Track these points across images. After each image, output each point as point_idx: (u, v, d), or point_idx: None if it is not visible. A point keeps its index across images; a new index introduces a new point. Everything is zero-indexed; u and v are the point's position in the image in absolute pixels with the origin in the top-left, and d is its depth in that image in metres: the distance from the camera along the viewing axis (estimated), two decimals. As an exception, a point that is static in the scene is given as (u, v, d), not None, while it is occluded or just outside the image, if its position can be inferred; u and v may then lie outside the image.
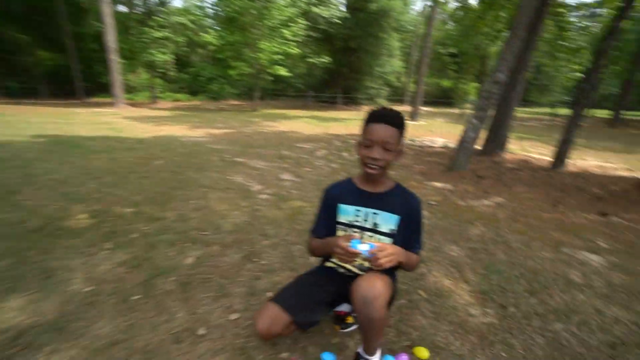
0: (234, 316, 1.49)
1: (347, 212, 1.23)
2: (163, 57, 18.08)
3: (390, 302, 1.19)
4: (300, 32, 16.83)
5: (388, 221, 1.20)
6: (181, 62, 26.85)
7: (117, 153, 5.14)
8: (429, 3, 14.73)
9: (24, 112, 11.64)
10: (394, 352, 1.32)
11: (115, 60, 15.11)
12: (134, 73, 22.56)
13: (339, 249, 1.02)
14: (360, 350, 1.18)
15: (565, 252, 2.34)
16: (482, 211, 3.17)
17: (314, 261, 1.58)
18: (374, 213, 1.20)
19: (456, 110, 22.90)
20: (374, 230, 1.21)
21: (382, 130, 1.07)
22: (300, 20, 16.44)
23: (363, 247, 1.00)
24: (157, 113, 13.93)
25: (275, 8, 15.17)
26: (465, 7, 7.82)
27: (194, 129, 8.74)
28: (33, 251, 2.00)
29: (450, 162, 4.91)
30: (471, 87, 32.52)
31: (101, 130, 7.79)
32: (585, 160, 6.63)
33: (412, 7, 25.78)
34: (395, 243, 1.21)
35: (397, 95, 30.40)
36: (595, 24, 9.60)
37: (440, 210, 3.10)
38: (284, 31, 16.00)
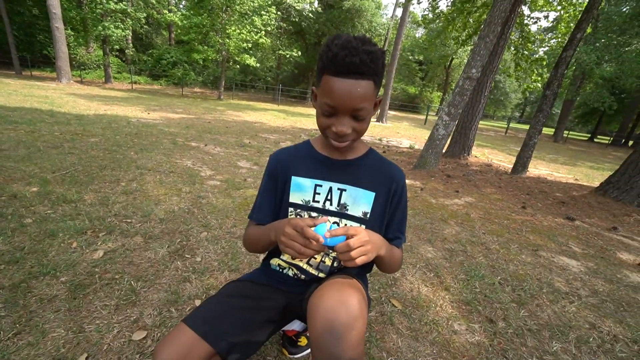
0: (139, 335, 1.04)
1: (302, 188, 0.83)
2: (120, 32, 16.37)
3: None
4: (271, 22, 16.19)
5: (360, 200, 0.82)
6: (142, 43, 24.83)
7: (41, 126, 4.30)
8: (399, 10, 14.85)
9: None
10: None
11: (60, 30, 13.39)
12: (85, 48, 20.33)
13: (289, 232, 0.63)
14: None
15: (544, 256, 2.16)
16: (454, 210, 2.96)
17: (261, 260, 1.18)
18: (341, 189, 0.82)
19: (421, 116, 23.61)
20: (342, 214, 0.82)
21: (350, 90, 0.65)
22: (271, 10, 15.80)
23: (324, 230, 0.62)
24: (109, 93, 12.57)
25: None
26: (434, 8, 7.82)
27: (148, 112, 7.85)
28: None
29: (420, 159, 4.74)
30: (435, 96, 33.95)
31: (31, 102, 6.67)
32: (538, 169, 6.89)
33: (384, 12, 26.16)
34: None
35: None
36: (552, 40, 10.27)
37: (412, 207, 2.84)
38: (255, 18, 15.28)
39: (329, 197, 0.81)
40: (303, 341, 1.05)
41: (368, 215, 0.82)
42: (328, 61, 0.64)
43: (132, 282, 1.31)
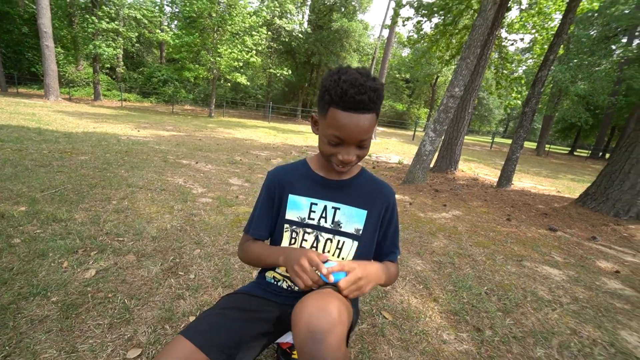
0: (133, 353, 1.05)
1: (298, 206, 0.88)
2: (111, 51, 16.48)
3: (350, 330, 0.85)
4: (262, 42, 16.62)
5: (353, 218, 0.88)
6: (133, 61, 24.96)
7: (28, 144, 4.26)
8: (385, 32, 15.49)
9: None
10: (355, 398, 0.99)
11: (50, 48, 13.40)
12: (75, 66, 20.31)
13: (305, 265, 0.70)
14: None
15: (528, 266, 2.24)
16: (442, 223, 3.04)
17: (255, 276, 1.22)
18: (335, 207, 0.88)
19: (409, 132, 24.15)
20: (336, 230, 0.88)
21: (358, 124, 0.71)
22: (262, 30, 16.25)
23: (330, 274, 0.69)
24: (99, 110, 12.51)
25: (238, 14, 14.82)
26: (419, 30, 8.22)
27: (138, 129, 7.85)
28: None
29: (408, 175, 4.86)
30: (422, 112, 34.90)
31: (17, 120, 6.60)
32: (522, 182, 7.12)
33: (371, 32, 27.21)
34: (360, 246, 0.90)
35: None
36: (530, 60, 10.88)
37: (401, 222, 2.91)
38: (246, 38, 15.65)
39: (323, 215, 0.87)
40: (297, 354, 1.08)
41: (360, 232, 0.88)
42: (337, 97, 0.69)
43: (125, 300, 1.32)
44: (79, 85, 20.58)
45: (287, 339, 0.99)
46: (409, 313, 1.48)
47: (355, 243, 0.88)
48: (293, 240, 0.89)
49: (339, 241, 0.88)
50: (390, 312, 1.48)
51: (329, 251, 0.88)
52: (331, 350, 0.62)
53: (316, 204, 0.87)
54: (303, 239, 0.88)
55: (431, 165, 6.80)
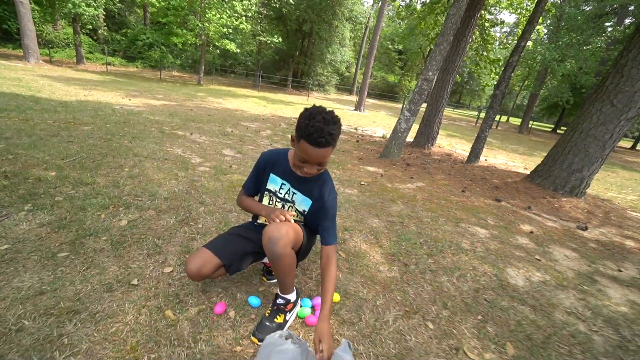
0: (168, 269, 1.59)
1: (275, 182, 1.40)
2: (92, 11, 15.74)
3: (301, 249, 1.37)
4: (252, 8, 16.13)
5: (302, 202, 1.39)
6: (115, 21, 23.74)
7: (32, 114, 4.55)
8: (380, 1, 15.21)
9: None
10: (311, 297, 1.56)
11: (25, 5, 12.78)
12: (52, 25, 19.30)
13: (280, 216, 1.23)
14: (278, 291, 1.39)
15: (462, 226, 2.86)
16: (404, 192, 3.62)
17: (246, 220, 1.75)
18: (294, 192, 1.38)
19: (399, 105, 24.36)
20: (291, 204, 1.41)
21: (320, 153, 1.10)
22: (253, -5, 15.75)
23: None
24: (84, 76, 12.32)
25: None
26: (409, 7, 8.38)
27: (129, 98, 8.01)
28: None
29: (384, 150, 5.39)
30: (414, 84, 34.76)
31: (7, 86, 6.70)
32: (496, 158, 7.77)
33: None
34: (306, 221, 1.44)
35: (346, 84, 31.15)
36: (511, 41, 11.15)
37: (369, 190, 3.47)
38: (235, 3, 15.18)
39: (287, 192, 1.40)
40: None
41: (305, 213, 1.41)
42: (306, 136, 1.07)
43: (154, 240, 1.84)
44: (58, 47, 19.68)
45: (267, 260, 1.55)
46: (358, 253, 2.07)
47: (302, 217, 1.44)
48: (270, 202, 1.43)
49: (294, 209, 1.42)
50: (344, 252, 2.06)
51: (287, 210, 1.41)
52: (280, 247, 1.17)
53: (284, 185, 1.39)
54: (275, 203, 1.43)
55: (410, 140, 7.34)
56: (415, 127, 7.50)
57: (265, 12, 19.43)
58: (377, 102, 26.24)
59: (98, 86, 9.49)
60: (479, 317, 1.61)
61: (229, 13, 15.19)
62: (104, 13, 19.60)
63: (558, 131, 26.48)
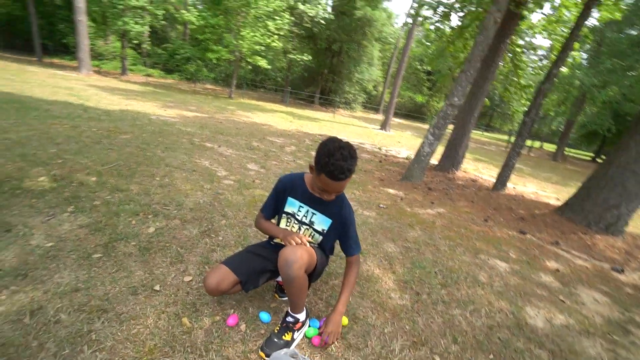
0: (187, 278, 1.69)
1: (293, 205, 1.48)
2: (138, 27, 17.17)
3: (315, 271, 1.45)
4: (285, 27, 16.89)
5: (322, 222, 1.47)
6: (158, 36, 25.61)
7: (80, 121, 4.99)
8: (409, 20, 15.46)
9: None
10: (319, 318, 1.60)
11: (83, 23, 14.16)
12: (103, 40, 21.18)
13: (296, 239, 1.31)
14: (288, 309, 1.44)
15: (482, 258, 2.79)
16: (423, 218, 3.59)
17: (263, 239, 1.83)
18: (313, 213, 1.46)
19: (426, 126, 24.12)
20: (310, 226, 1.48)
21: (337, 186, 1.23)
22: (285, 15, 16.50)
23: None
24: (127, 86, 13.31)
25: None
26: (438, 30, 8.45)
27: (165, 109, 8.55)
28: (-10, 206, 2.03)
29: (407, 172, 5.36)
30: (442, 105, 34.36)
31: (61, 95, 7.39)
32: (526, 186, 7.47)
33: (395, 20, 26.78)
34: (323, 241, 1.51)
35: (372, 103, 31.38)
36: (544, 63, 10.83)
37: (388, 213, 3.47)
38: (269, 23, 15.97)
39: (305, 215, 1.47)
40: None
41: (325, 232, 1.48)
42: (327, 172, 1.19)
43: (178, 248, 1.96)
44: (106, 59, 21.50)
45: (280, 279, 1.61)
46: (370, 278, 2.08)
47: (320, 237, 1.50)
48: (287, 224, 1.51)
49: (311, 231, 1.48)
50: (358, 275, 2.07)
51: (303, 234, 1.49)
52: (294, 270, 1.24)
53: (302, 207, 1.47)
54: (292, 225, 1.50)
55: (435, 163, 7.25)
56: (440, 149, 7.41)
57: (297, 30, 20.22)
58: (404, 122, 26.16)
59: (138, 96, 10.22)
60: (491, 356, 1.57)
61: (263, 31, 15.97)
62: (149, 29, 21.26)
63: (598, 160, 24.97)
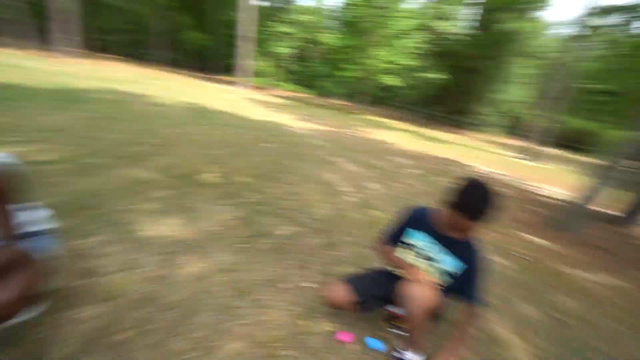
0: (306, 284, 1.87)
1: (416, 237, 1.44)
2: (284, 50, 20.37)
3: (436, 314, 1.38)
4: (420, 45, 16.65)
5: (451, 264, 1.37)
6: (300, 56, 29.51)
7: (239, 130, 6.21)
8: (573, 30, 12.64)
9: (172, 79, 14.86)
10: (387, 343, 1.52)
11: (246, 48, 17.67)
12: (259, 60, 26.00)
13: (418, 278, 1.29)
14: (401, 344, 1.42)
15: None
16: (583, 285, 2.80)
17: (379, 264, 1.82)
18: (442, 251, 1.37)
19: (593, 160, 19.11)
20: (437, 263, 1.39)
21: (470, 224, 1.21)
22: (420, 33, 16.27)
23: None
24: (273, 100, 15.78)
25: (392, 17, 15.35)
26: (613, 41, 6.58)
27: (300, 121, 9.67)
28: (181, 190, 2.76)
29: (560, 219, 4.35)
30: (620, 137, 26.55)
31: (227, 107, 9.33)
32: None
33: (548, 31, 22.01)
34: (453, 285, 1.39)
35: (514, 127, 27.02)
36: None
37: (527, 266, 2.90)
38: (403, 41, 16.08)
39: (431, 250, 1.40)
40: (400, 323, 1.63)
41: (453, 274, 1.38)
42: (466, 211, 1.19)
43: (302, 256, 2.18)
44: (260, 76, 26.22)
45: (396, 310, 1.57)
46: (497, 340, 1.77)
47: (450, 279, 1.39)
48: (408, 255, 1.46)
49: (437, 269, 1.39)
50: (484, 332, 1.81)
51: (428, 271, 1.40)
52: (417, 307, 1.22)
53: (430, 242, 1.41)
54: (415, 258, 1.44)
55: (605, 211, 5.65)
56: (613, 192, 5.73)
57: (430, 48, 19.60)
58: (562, 153, 21.42)
59: (280, 108, 11.93)
60: None
61: (394, 50, 16.20)
62: (294, 50, 24.86)
63: None
